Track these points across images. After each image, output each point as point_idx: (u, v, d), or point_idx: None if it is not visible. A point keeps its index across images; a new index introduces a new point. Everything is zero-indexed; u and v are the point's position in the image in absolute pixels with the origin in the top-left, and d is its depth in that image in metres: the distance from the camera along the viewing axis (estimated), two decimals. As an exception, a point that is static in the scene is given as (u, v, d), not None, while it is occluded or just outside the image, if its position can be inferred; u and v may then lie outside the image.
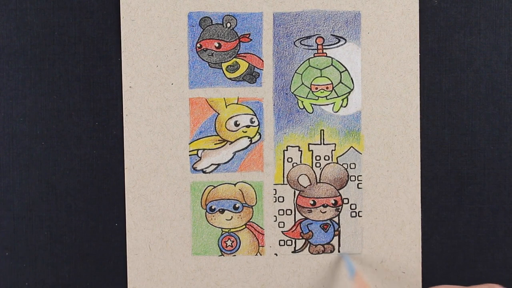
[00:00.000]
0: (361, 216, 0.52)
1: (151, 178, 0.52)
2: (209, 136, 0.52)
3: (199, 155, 0.52)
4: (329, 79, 0.52)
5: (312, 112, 0.52)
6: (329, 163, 0.52)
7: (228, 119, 0.52)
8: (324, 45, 0.52)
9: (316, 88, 0.52)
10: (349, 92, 0.52)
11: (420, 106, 0.52)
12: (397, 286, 0.52)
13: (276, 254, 0.52)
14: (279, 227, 0.52)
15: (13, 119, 0.52)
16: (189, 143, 0.52)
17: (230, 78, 0.52)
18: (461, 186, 0.52)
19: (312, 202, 0.52)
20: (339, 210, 0.52)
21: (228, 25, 0.52)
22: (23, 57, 0.52)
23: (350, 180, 0.52)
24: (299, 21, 0.52)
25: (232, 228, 0.52)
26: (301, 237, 0.52)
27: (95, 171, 0.52)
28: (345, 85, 0.52)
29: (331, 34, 0.52)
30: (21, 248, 0.52)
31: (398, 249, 0.52)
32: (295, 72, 0.52)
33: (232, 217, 0.52)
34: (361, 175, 0.52)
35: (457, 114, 0.52)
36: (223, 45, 0.52)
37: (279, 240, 0.52)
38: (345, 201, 0.52)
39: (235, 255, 0.52)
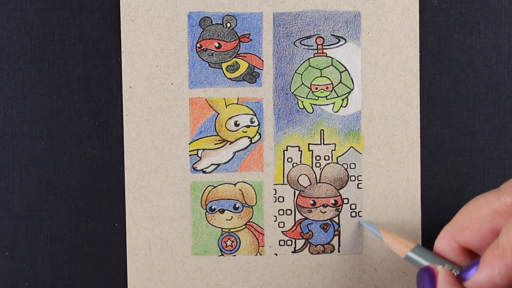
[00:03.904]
0: (361, 216, 0.52)
1: (151, 178, 0.52)
2: (209, 136, 0.52)
3: (199, 155, 0.52)
4: (329, 79, 0.52)
5: (312, 112, 0.52)
6: (329, 163, 0.52)
7: (228, 119, 0.52)
8: (324, 45, 0.52)
9: (316, 88, 0.52)
10: (349, 92, 0.52)
11: (420, 106, 0.52)
12: (397, 286, 0.52)
13: (276, 254, 0.52)
14: (279, 227, 0.52)
15: (13, 119, 0.52)
16: (189, 143, 0.52)
17: (230, 78, 0.52)
18: (461, 186, 0.52)
19: (312, 202, 0.52)
20: (339, 210, 0.52)
21: (228, 25, 0.52)
22: (23, 57, 0.52)
23: (350, 180, 0.52)
24: (299, 21, 0.52)
25: (232, 228, 0.52)
26: (301, 237, 0.52)
27: (95, 171, 0.52)
28: (345, 85, 0.52)
29: (331, 34, 0.52)
30: (21, 248, 0.52)
31: (398, 249, 0.52)
32: (295, 72, 0.52)
33: (232, 217, 0.52)
34: (361, 175, 0.52)
35: (457, 114, 0.52)
36: (223, 45, 0.52)
37: (279, 240, 0.52)
38: (345, 201, 0.52)
39: (235, 255, 0.52)
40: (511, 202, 0.40)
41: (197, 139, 0.52)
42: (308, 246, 0.52)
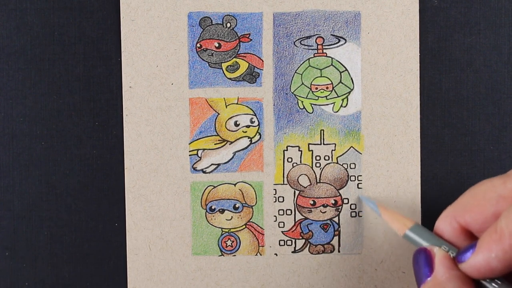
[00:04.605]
0: (361, 216, 0.52)
1: (151, 178, 0.52)
2: (209, 136, 0.52)
3: (199, 155, 0.52)
4: (329, 79, 0.52)
5: (312, 112, 0.52)
6: (329, 163, 0.52)
7: (228, 119, 0.52)
8: (324, 45, 0.52)
9: (316, 88, 0.52)
10: (349, 92, 0.52)
11: (420, 106, 0.52)
12: (397, 286, 0.52)
13: (276, 254, 0.52)
14: (279, 227, 0.52)
15: (13, 119, 0.52)
16: (189, 143, 0.52)
17: (230, 78, 0.52)
18: (461, 186, 0.52)
19: (312, 202, 0.52)
20: (339, 210, 0.52)
21: (228, 25, 0.52)
22: (23, 57, 0.52)
23: (350, 180, 0.52)
24: (299, 21, 0.52)
25: (232, 228, 0.52)
26: (301, 237, 0.52)
27: (95, 171, 0.52)
28: (345, 85, 0.52)
29: (331, 34, 0.52)
30: (21, 248, 0.52)
31: (398, 249, 0.52)
32: (295, 72, 0.52)
33: (232, 217, 0.52)
34: (361, 175, 0.52)
35: (457, 114, 0.52)
36: (223, 45, 0.52)
37: (279, 240, 0.52)
38: (345, 201, 0.52)
39: (235, 255, 0.52)
40: None
41: (197, 139, 0.52)
42: (308, 246, 0.52)
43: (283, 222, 0.52)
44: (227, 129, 0.52)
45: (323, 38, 0.52)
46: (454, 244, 0.43)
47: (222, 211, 0.52)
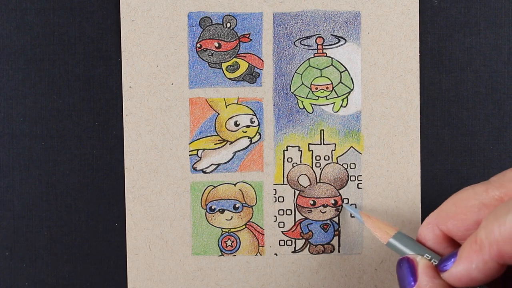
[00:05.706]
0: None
1: (151, 178, 0.52)
2: (209, 136, 0.52)
3: (199, 155, 0.52)
4: (329, 79, 0.52)
5: (312, 112, 0.52)
6: (329, 163, 0.52)
7: (228, 119, 0.52)
8: (324, 45, 0.52)
9: (316, 88, 0.52)
10: (349, 92, 0.52)
11: (420, 106, 0.52)
12: (397, 286, 0.52)
13: (276, 254, 0.52)
14: (279, 227, 0.52)
15: (13, 119, 0.52)
16: (189, 143, 0.52)
17: (230, 78, 0.52)
18: (461, 186, 0.52)
19: (312, 202, 0.52)
20: (339, 210, 0.52)
21: (228, 25, 0.52)
22: (23, 57, 0.52)
23: (350, 180, 0.52)
24: (299, 21, 0.52)
25: (232, 228, 0.52)
26: (301, 237, 0.52)
27: (95, 171, 0.52)
28: (345, 85, 0.52)
29: (331, 34, 0.52)
30: (21, 248, 0.52)
31: (398, 249, 0.52)
32: (295, 72, 0.52)
33: (232, 217, 0.52)
34: (361, 175, 0.52)
35: (457, 114, 0.52)
36: (223, 45, 0.52)
37: (279, 240, 0.52)
38: (345, 201, 0.52)
39: (235, 255, 0.52)
40: (498, 195, 0.40)
41: (197, 139, 0.52)
42: (308, 246, 0.52)
43: (283, 222, 0.52)
44: (227, 129, 0.52)
45: (323, 38, 0.52)
46: (437, 251, 0.43)
47: (222, 211, 0.52)
